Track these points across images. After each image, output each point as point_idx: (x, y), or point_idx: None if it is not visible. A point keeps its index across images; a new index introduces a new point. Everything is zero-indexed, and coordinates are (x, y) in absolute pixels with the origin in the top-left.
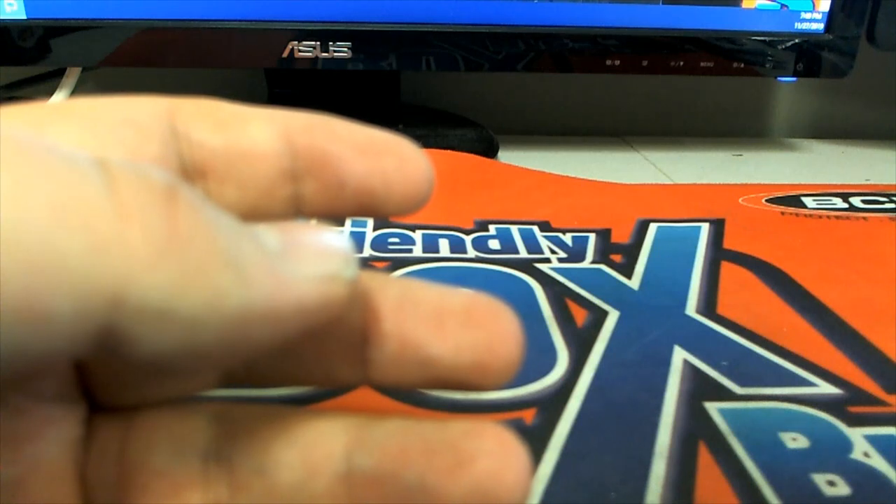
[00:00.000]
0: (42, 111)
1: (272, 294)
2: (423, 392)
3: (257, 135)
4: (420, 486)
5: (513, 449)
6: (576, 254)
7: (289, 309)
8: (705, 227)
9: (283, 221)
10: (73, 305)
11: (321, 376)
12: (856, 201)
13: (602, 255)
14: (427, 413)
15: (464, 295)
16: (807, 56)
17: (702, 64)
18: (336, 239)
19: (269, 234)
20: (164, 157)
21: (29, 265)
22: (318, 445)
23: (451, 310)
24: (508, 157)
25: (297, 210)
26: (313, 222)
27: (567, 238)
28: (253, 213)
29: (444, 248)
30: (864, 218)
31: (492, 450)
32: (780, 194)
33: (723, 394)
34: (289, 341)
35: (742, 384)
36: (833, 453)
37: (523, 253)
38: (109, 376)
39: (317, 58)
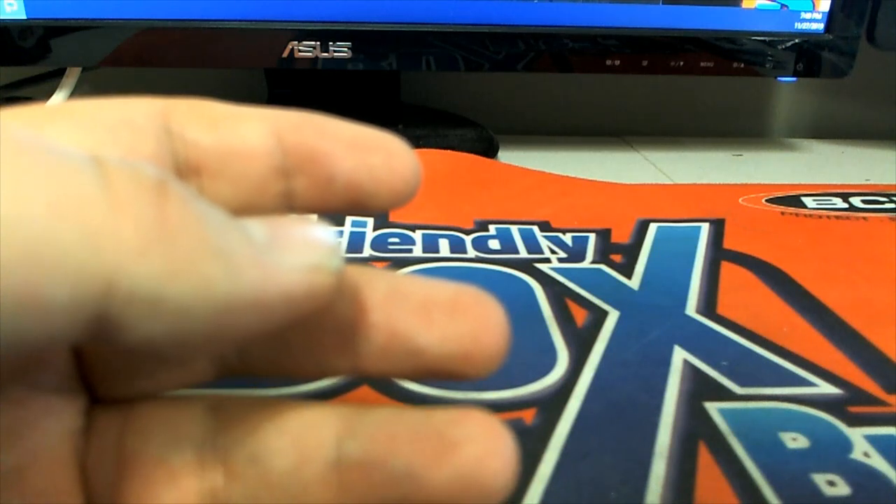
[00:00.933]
0: (41, 112)
1: (259, 283)
2: (424, 393)
3: (249, 133)
4: (407, 473)
5: (498, 435)
6: (576, 254)
7: (275, 298)
8: (705, 227)
9: (273, 216)
10: (69, 293)
11: (312, 367)
12: (856, 201)
13: (602, 255)
14: None
15: (450, 287)
16: (807, 56)
17: (702, 64)
18: (322, 231)
19: (257, 227)
20: (158, 155)
21: (28, 256)
22: (310, 433)
23: (437, 301)
24: (508, 157)
25: (289, 206)
26: (314, 218)
27: (567, 238)
28: (246, 209)
29: (444, 248)
30: (864, 218)
31: (477, 436)
32: (780, 194)
33: (723, 394)
34: (277, 330)
35: (742, 384)
36: (833, 453)
37: (523, 253)
38: (108, 368)
39: (317, 58)
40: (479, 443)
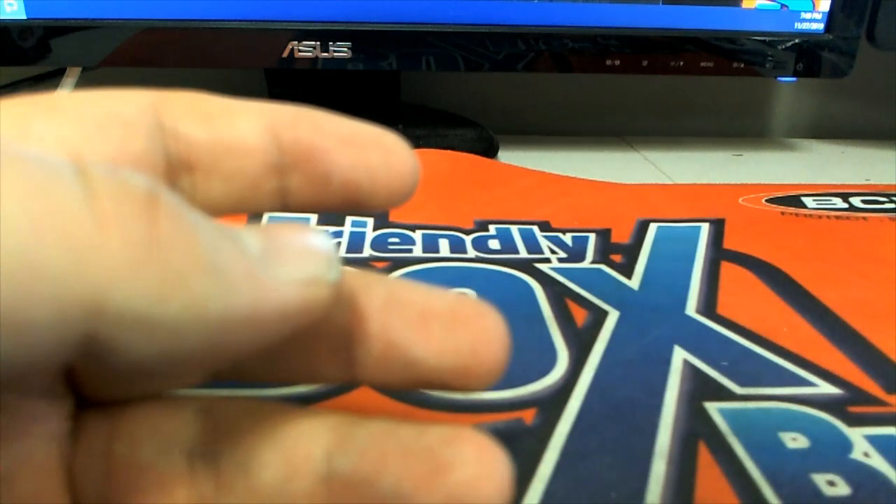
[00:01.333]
0: (27, 107)
1: (253, 299)
2: (424, 393)
3: (244, 129)
4: (397, 493)
5: (492, 457)
6: (576, 254)
7: (270, 313)
8: (705, 227)
9: (267, 222)
10: (53, 315)
11: (307, 374)
12: (856, 201)
13: (602, 255)
14: (427, 413)
15: (450, 297)
16: (807, 56)
17: (702, 64)
18: (319, 239)
19: (251, 237)
20: (149, 151)
21: (9, 276)
22: (301, 446)
23: (436, 312)
24: (508, 157)
25: (284, 203)
26: (311, 222)
27: (567, 238)
28: (240, 207)
29: (444, 248)
30: (864, 218)
31: (470, 458)
32: (780, 194)
33: (723, 394)
34: (273, 343)
35: (742, 384)
36: (833, 453)
37: (523, 253)
38: (96, 372)
39: (317, 58)
40: (473, 465)
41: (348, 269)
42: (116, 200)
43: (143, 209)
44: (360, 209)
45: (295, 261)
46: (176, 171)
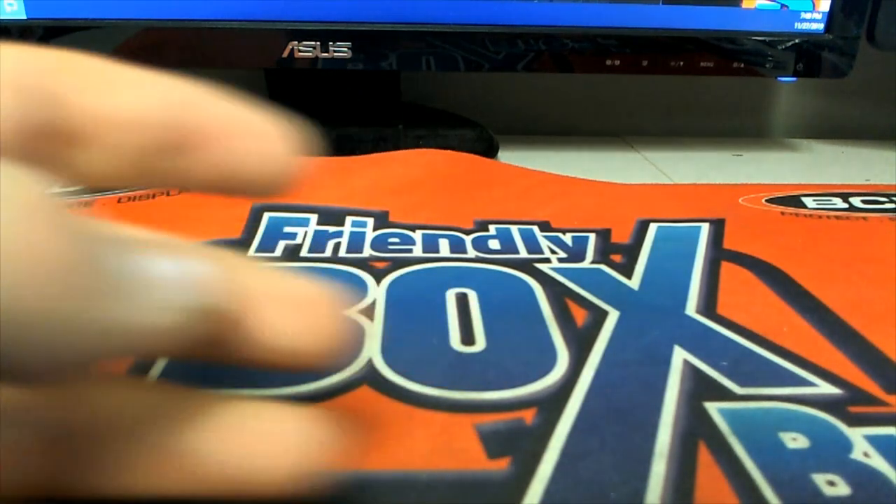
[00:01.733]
0: None
1: (140, 319)
2: (423, 392)
3: (131, 103)
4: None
5: (286, 438)
6: (576, 254)
7: (150, 334)
8: (705, 227)
9: (153, 237)
10: None
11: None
12: (856, 201)
13: (602, 255)
14: (427, 413)
15: (296, 286)
16: (807, 56)
17: (702, 64)
18: (196, 268)
19: (141, 255)
20: (28, 120)
21: None
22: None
23: (286, 298)
24: (508, 157)
25: (166, 182)
26: (313, 220)
27: (567, 238)
28: (121, 183)
29: (444, 248)
30: (864, 218)
31: (268, 434)
32: (780, 194)
33: (723, 394)
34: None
35: (742, 384)
36: (833, 453)
37: (523, 253)
38: None
39: (317, 58)
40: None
41: (225, 259)
42: (20, 212)
43: (48, 224)
44: (241, 196)
45: (173, 287)
46: (57, 143)
